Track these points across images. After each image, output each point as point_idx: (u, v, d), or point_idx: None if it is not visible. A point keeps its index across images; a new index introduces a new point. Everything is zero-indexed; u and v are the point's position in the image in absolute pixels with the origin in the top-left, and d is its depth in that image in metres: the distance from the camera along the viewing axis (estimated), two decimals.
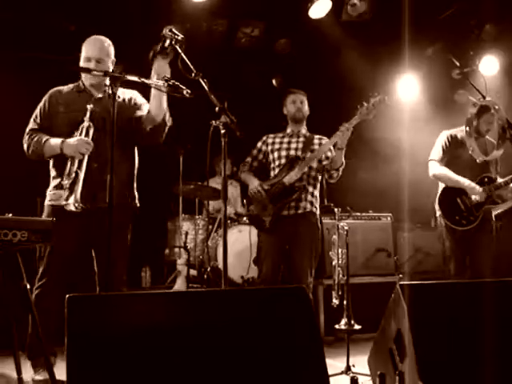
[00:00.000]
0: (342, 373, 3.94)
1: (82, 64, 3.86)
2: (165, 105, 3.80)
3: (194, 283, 6.10)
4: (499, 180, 4.70)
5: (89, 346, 1.95)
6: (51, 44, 6.20)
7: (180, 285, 6.04)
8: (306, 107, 4.81)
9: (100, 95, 3.89)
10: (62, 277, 3.69)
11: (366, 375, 3.56)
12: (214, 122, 3.24)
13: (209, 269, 6.08)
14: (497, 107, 4.18)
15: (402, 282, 2.60)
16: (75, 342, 1.94)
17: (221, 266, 5.64)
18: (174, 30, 3.42)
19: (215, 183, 6.94)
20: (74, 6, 5.89)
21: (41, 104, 3.95)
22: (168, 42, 3.46)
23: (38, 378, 3.62)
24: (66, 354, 1.89)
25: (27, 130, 3.91)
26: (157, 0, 5.88)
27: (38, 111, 3.94)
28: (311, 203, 4.59)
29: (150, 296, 2.13)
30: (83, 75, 3.95)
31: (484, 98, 4.29)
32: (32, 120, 3.94)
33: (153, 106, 3.79)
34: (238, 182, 7.07)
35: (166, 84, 3.32)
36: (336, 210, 4.43)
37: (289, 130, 4.82)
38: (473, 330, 2.49)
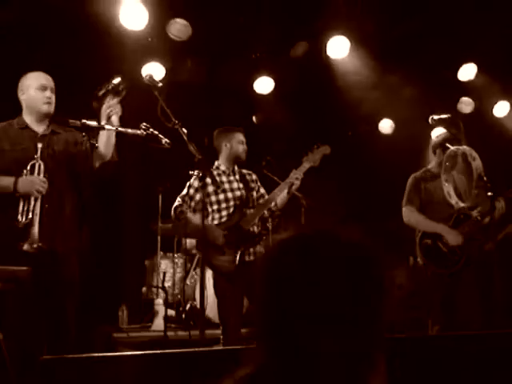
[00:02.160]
0: None
1: (32, 93, 3.74)
2: (113, 142, 3.73)
3: (172, 323, 6.02)
4: (475, 214, 4.48)
5: None
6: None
7: (157, 325, 5.96)
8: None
9: (43, 131, 3.79)
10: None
11: None
12: (191, 172, 3.25)
13: (187, 308, 6.03)
14: (473, 155, 4.21)
15: None
16: None
17: (199, 305, 5.59)
18: (153, 77, 3.44)
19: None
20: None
21: None
22: (118, 79, 3.45)
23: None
24: None
25: None
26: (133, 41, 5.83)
27: None
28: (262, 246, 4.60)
29: (126, 358, 2.10)
30: (25, 111, 3.81)
31: (461, 144, 4.32)
32: None
33: (102, 144, 3.69)
34: None
35: (144, 133, 3.32)
36: None
37: (223, 168, 4.70)
38: None
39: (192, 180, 4.56)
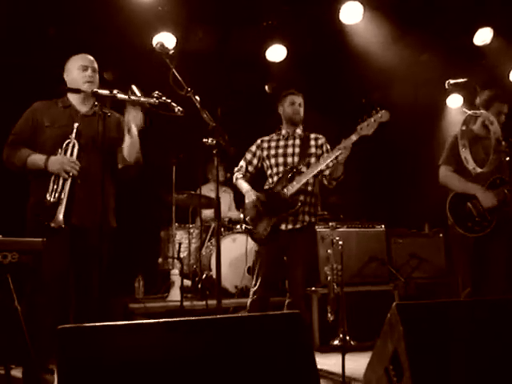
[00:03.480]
0: None
1: (75, 73, 3.86)
2: (137, 146, 3.82)
3: (188, 293, 6.06)
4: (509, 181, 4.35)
5: (80, 378, 1.91)
6: (30, 49, 6.10)
7: (174, 295, 5.99)
8: (302, 109, 4.68)
9: (86, 111, 3.87)
10: (52, 294, 3.62)
11: None
12: (206, 140, 3.21)
13: (203, 278, 6.05)
14: (491, 119, 4.14)
15: (398, 302, 2.57)
16: (66, 374, 1.90)
17: (215, 275, 5.61)
18: (164, 44, 3.39)
19: (208, 190, 6.91)
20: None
21: (24, 116, 3.88)
22: (138, 93, 3.47)
23: None
24: None
25: (8, 141, 3.83)
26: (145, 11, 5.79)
27: (21, 123, 3.86)
28: (309, 214, 4.47)
29: (141, 326, 2.09)
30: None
31: (479, 109, 4.25)
32: (14, 132, 3.85)
33: (126, 148, 3.80)
34: (231, 188, 7.03)
35: (157, 101, 3.28)
36: (331, 223, 4.40)
37: (284, 132, 4.67)
38: (472, 351, 2.46)
39: (253, 145, 4.71)
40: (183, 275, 5.87)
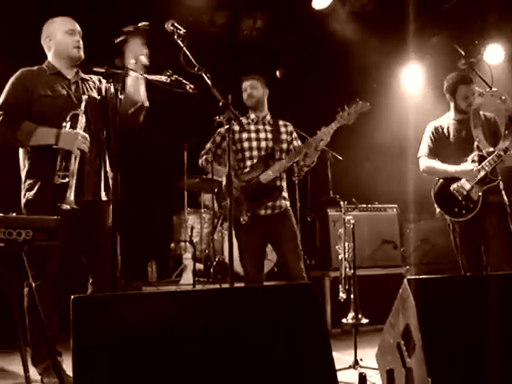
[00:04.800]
0: (349, 367, 3.92)
1: (61, 37, 3.62)
2: (142, 86, 3.66)
3: (201, 277, 6.09)
4: (490, 156, 4.34)
5: (95, 347, 1.93)
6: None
7: (186, 279, 6.03)
8: (259, 91, 4.60)
9: (72, 78, 3.69)
10: (58, 274, 3.58)
11: (374, 369, 3.55)
12: (217, 117, 3.22)
13: (215, 263, 6.07)
14: (503, 97, 4.12)
15: (409, 277, 2.58)
16: (81, 343, 1.92)
17: (227, 259, 5.63)
18: (175, 24, 3.39)
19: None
20: None
21: (12, 83, 3.57)
22: (142, 23, 3.35)
23: (47, 381, 3.49)
24: (72, 355, 1.88)
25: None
26: None
27: (10, 92, 3.54)
28: (284, 198, 4.52)
29: (155, 296, 2.11)
30: (53, 57, 3.68)
31: (490, 88, 4.24)
32: (3, 103, 3.51)
33: (131, 88, 3.63)
34: None
35: (168, 79, 3.28)
36: (342, 203, 4.39)
37: (253, 116, 4.62)
38: (483, 326, 2.47)
39: (222, 128, 4.51)
40: (195, 259, 5.90)
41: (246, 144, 4.52)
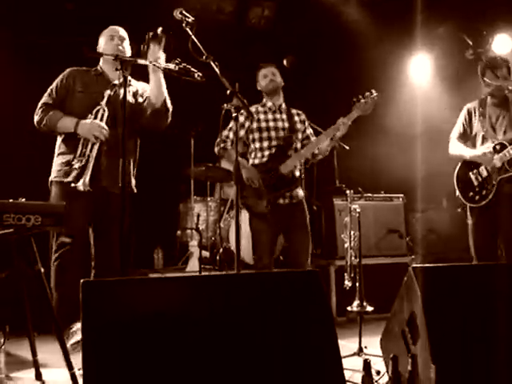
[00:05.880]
0: (354, 354, 3.94)
1: (104, 44, 4.08)
2: (164, 89, 3.96)
3: (207, 265, 6.11)
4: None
5: (103, 330, 1.96)
6: (49, 25, 6.13)
7: (192, 266, 6.06)
8: (278, 78, 4.64)
9: (116, 81, 3.94)
10: (74, 252, 3.80)
11: (378, 356, 3.57)
12: (225, 105, 3.23)
13: (221, 250, 6.09)
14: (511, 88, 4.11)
15: (414, 265, 2.60)
16: (90, 326, 1.96)
17: (233, 247, 5.66)
18: (184, 12, 3.40)
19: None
20: None
21: (58, 80, 4.07)
22: (160, 29, 3.62)
23: (72, 341, 3.73)
24: (82, 338, 1.91)
25: (40, 103, 4.02)
26: None
27: (54, 86, 4.04)
28: (301, 189, 4.59)
29: (163, 281, 2.14)
30: (101, 61, 4.13)
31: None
32: (47, 94, 4.04)
33: (152, 90, 3.95)
34: None
35: (177, 67, 3.30)
36: (348, 191, 4.40)
37: (269, 104, 4.63)
38: (487, 314, 2.48)
39: (241, 116, 4.40)
40: (202, 247, 5.92)
41: (265, 134, 4.54)
